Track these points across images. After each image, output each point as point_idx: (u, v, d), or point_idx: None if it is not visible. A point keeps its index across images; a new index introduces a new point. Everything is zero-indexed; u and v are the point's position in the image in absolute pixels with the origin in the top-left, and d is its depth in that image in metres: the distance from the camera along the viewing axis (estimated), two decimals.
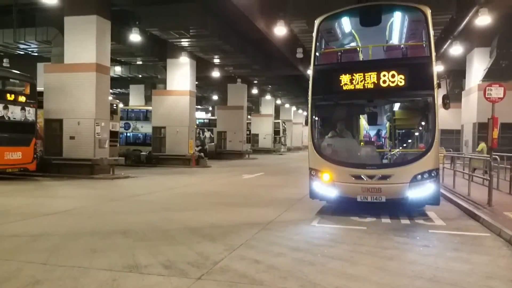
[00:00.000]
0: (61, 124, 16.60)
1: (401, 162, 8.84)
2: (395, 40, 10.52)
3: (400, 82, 7.96)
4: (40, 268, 4.95)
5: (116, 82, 30.04)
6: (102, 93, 16.78)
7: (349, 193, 8.22)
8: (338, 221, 7.97)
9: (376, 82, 8.02)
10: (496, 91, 9.46)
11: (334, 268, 5.07)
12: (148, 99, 32.32)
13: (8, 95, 15.03)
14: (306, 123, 8.86)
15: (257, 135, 45.83)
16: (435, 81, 7.97)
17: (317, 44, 8.85)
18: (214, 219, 8.13)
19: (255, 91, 37.20)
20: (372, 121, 9.96)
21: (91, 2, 16.17)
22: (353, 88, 8.19)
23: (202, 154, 25.74)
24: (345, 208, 8.88)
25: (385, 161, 9.09)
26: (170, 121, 23.84)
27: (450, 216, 8.61)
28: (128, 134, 28.13)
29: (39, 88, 16.66)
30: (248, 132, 40.86)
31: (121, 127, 25.22)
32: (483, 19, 14.76)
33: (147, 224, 7.56)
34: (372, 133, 12.10)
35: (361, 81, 8.12)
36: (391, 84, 7.95)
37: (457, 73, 27.31)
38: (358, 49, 9.54)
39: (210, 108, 52.97)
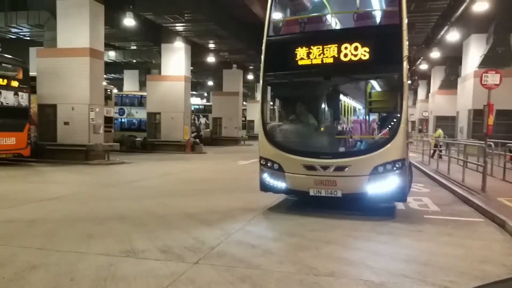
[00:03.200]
0: (55, 109, 16.45)
1: (360, 151, 7.58)
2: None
3: (363, 55, 6.89)
4: (37, 253, 4.95)
5: (110, 67, 29.72)
6: (96, 78, 16.61)
7: (301, 186, 7.23)
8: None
9: (334, 55, 7.01)
10: (493, 78, 9.47)
11: (329, 253, 5.12)
12: (142, 85, 32.07)
13: (0, 80, 14.84)
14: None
15: (252, 121, 45.63)
16: (404, 54, 6.77)
17: (272, 10, 7.76)
18: (210, 205, 8.14)
19: (250, 76, 36.98)
20: (332, 103, 8.65)
21: None
22: (309, 63, 7.17)
23: (197, 140, 25.69)
24: None
25: (341, 149, 7.88)
26: (165, 106, 23.70)
27: (444, 202, 8.69)
28: (123, 120, 27.97)
29: (31, 73, 16.45)
30: (243, 118, 40.76)
31: (115, 112, 25.06)
32: (480, 5, 14.69)
33: (143, 209, 7.57)
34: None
35: (319, 55, 7.11)
36: (353, 58, 6.91)
37: (453, 59, 27.29)
38: (323, 17, 8.41)
39: (206, 94, 52.71)
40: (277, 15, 8.26)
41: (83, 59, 16.01)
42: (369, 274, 4.36)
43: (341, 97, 8.74)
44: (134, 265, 4.57)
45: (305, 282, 4.13)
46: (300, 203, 8.35)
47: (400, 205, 8.17)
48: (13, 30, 19.76)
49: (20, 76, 15.66)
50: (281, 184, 7.36)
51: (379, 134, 8.02)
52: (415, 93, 45.73)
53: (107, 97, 19.99)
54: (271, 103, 8.17)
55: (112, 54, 26.78)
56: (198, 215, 7.18)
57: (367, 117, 9.12)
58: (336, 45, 7.00)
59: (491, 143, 10.74)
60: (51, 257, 4.79)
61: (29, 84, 15.88)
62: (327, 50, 7.07)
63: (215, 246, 5.28)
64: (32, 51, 20.31)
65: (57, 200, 8.47)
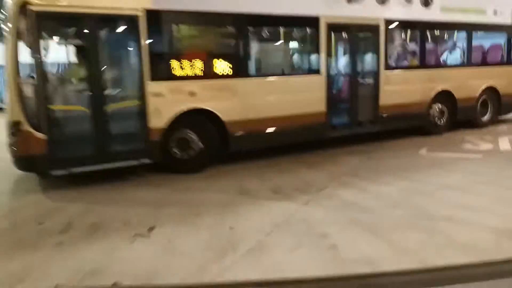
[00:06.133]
0: None
1: None
2: None
3: None
4: (165, 191, 5.57)
5: None
6: None
7: None
8: (449, 149, 7.49)
9: None
10: None
11: (447, 198, 4.86)
12: None
13: None
14: None
15: None
16: None
17: None
18: (314, 148, 8.13)
19: None
20: None
21: None
22: None
23: None
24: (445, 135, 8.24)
25: None
26: None
27: None
28: None
29: None
30: None
31: None
32: None
33: (259, 153, 7.88)
34: None
35: None
36: None
37: None
38: None
39: None
40: None
41: None
42: (495, 221, 4.07)
43: None
44: (249, 203, 4.91)
45: (421, 226, 4.02)
46: (411, 145, 7.93)
47: None
48: None
49: None
50: None
51: None
52: None
53: None
54: None
55: None
56: (305, 158, 7.26)
57: None
58: None
59: None
60: (177, 194, 5.37)
61: None
62: None
63: (324, 188, 5.36)
64: None
65: None
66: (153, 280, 3.13)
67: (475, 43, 9.50)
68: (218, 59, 6.47)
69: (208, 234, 4.01)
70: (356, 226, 4.09)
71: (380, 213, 4.43)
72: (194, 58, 6.23)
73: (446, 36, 10.06)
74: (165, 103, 5.97)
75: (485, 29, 9.61)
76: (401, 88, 8.28)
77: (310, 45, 7.63)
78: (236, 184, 5.69)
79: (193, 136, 6.35)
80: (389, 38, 8.23)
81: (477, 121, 9.51)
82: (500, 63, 9.86)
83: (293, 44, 8.08)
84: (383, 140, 8.40)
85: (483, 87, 9.38)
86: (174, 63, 6.12)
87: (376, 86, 8.04)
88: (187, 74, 6.18)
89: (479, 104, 9.45)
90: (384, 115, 8.04)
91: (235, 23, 6.64)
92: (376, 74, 8.03)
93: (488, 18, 9.39)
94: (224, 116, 6.44)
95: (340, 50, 8.66)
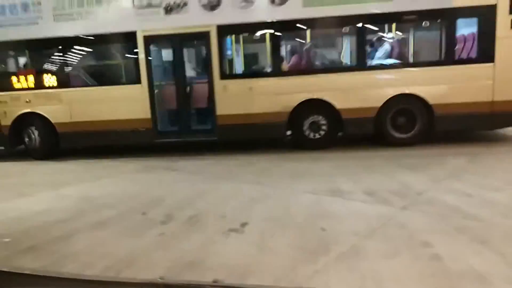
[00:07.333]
0: None
1: None
2: None
3: None
4: (256, 188, 5.66)
5: None
6: None
7: None
8: None
9: None
10: None
11: None
12: None
13: None
14: None
15: None
16: None
17: None
18: (413, 148, 7.67)
19: None
20: None
21: None
22: None
23: None
24: None
25: None
26: None
27: None
28: None
29: None
30: None
31: None
32: None
33: (344, 154, 7.70)
34: None
35: None
36: None
37: None
38: None
39: None
40: None
41: None
42: None
43: None
44: (342, 205, 4.75)
45: None
46: None
47: None
48: None
49: None
50: None
51: None
52: None
53: None
54: None
55: None
56: (400, 158, 6.88)
57: None
58: None
59: None
60: (267, 190, 5.42)
61: None
62: None
63: (423, 192, 5.01)
64: None
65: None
66: (247, 277, 3.17)
67: (382, 39, 8.13)
68: (46, 74, 8.38)
69: (299, 234, 3.96)
70: (462, 235, 3.73)
71: (490, 222, 3.99)
72: (27, 74, 8.41)
73: (319, 36, 8.61)
74: (8, 107, 8.44)
75: (393, 19, 7.64)
76: (245, 98, 7.74)
77: (130, 58, 8.26)
78: (327, 185, 5.57)
79: (34, 132, 8.55)
80: (225, 45, 8.05)
81: (387, 137, 7.74)
82: (432, 63, 7.49)
83: (112, 58, 8.86)
84: (491, 141, 7.62)
85: (393, 95, 7.44)
86: (12, 78, 8.44)
87: (210, 96, 7.95)
88: (22, 87, 8.41)
89: (388, 117, 7.61)
90: (224, 124, 7.86)
91: (54, 47, 8.34)
92: (209, 84, 7.89)
93: (399, 5, 7.16)
94: (52, 118, 8.39)
95: (165, 60, 8.94)
